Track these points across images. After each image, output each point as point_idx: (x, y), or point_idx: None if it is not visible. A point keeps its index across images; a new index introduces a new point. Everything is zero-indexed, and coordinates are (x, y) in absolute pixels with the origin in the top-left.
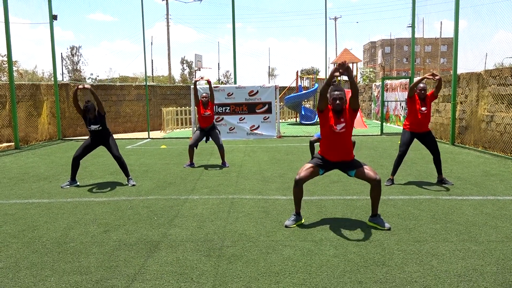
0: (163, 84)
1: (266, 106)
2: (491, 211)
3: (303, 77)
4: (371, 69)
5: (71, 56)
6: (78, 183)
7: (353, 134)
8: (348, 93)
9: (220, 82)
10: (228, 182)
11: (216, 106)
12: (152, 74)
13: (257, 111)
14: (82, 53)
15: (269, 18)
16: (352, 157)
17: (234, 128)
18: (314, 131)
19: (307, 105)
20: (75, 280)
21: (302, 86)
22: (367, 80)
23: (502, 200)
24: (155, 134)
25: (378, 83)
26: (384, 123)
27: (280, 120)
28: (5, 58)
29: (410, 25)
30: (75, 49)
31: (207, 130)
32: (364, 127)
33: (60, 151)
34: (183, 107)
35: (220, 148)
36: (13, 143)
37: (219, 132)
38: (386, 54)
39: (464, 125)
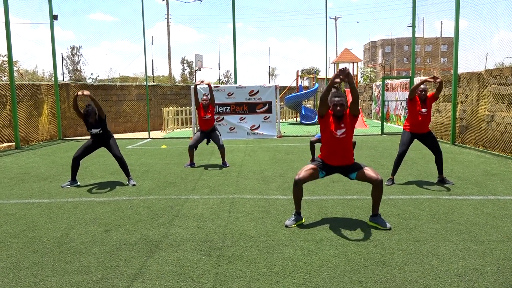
0: (163, 84)
1: (267, 106)
2: (492, 211)
3: (303, 77)
4: (371, 69)
5: (71, 56)
6: (78, 183)
7: (353, 134)
8: (349, 94)
9: (221, 82)
10: (228, 182)
11: (217, 106)
12: (153, 74)
13: (257, 111)
14: (82, 53)
15: (269, 18)
16: (353, 161)
17: (234, 128)
18: (315, 131)
19: (308, 105)
20: (75, 280)
21: (303, 86)
22: (368, 80)
23: (502, 200)
24: (155, 134)
25: (379, 82)
26: (384, 123)
27: (281, 120)
28: (6, 58)
29: (411, 25)
30: (75, 49)
31: (208, 132)
32: (364, 126)
33: (60, 151)
34: (183, 107)
35: (220, 148)
36: (13, 143)
37: (219, 133)
38: (386, 54)
39: (464, 125)
